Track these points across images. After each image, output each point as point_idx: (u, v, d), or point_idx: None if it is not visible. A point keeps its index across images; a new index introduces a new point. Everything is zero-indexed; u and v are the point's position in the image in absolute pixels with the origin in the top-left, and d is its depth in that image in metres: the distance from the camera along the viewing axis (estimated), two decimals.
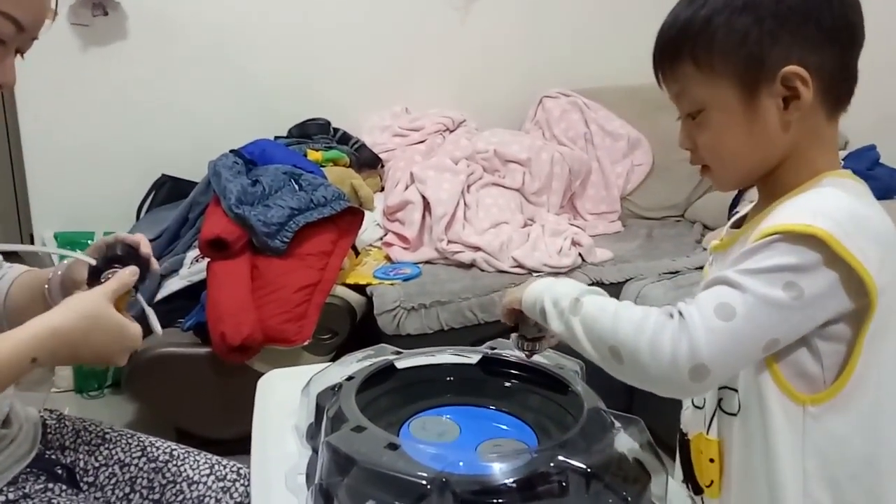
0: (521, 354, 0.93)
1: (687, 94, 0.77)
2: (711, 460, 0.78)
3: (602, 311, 0.74)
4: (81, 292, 0.90)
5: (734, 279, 0.68)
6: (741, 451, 0.75)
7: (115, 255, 0.95)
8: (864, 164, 2.43)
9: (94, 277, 0.93)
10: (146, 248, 0.96)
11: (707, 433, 0.78)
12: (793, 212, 0.69)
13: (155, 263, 0.96)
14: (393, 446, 0.77)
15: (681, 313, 0.68)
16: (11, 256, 1.12)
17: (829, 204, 0.69)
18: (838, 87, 0.75)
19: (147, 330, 0.93)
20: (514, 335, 0.90)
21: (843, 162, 2.67)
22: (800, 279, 0.66)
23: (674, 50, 0.77)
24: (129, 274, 0.91)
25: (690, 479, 0.81)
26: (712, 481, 0.78)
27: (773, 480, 0.71)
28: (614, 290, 2.21)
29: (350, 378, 0.94)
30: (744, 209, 0.85)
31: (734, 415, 0.75)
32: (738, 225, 0.82)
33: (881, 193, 2.34)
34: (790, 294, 0.66)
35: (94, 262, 0.94)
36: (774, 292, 0.66)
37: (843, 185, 0.73)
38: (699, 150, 0.79)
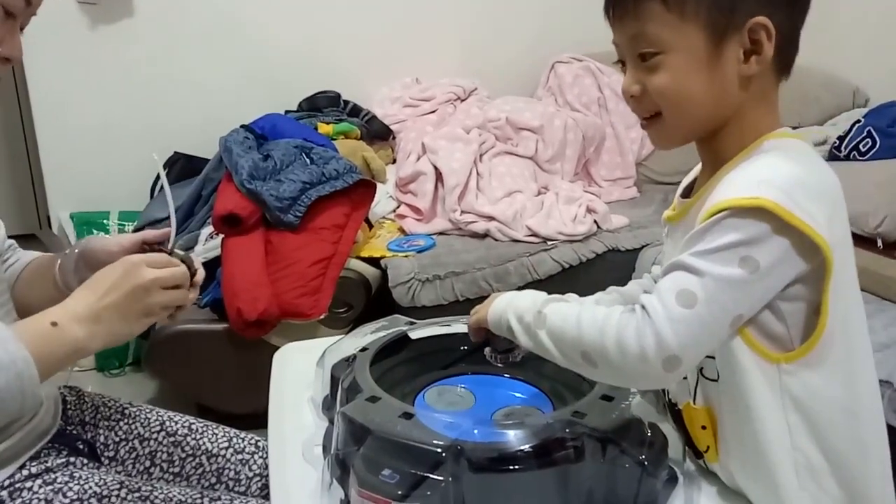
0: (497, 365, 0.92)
1: (646, 34, 0.74)
2: (703, 427, 0.78)
3: (565, 319, 0.73)
4: None
5: (690, 263, 0.67)
6: (728, 416, 0.76)
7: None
8: (885, 122, 2.38)
9: None
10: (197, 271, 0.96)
11: (693, 402, 0.79)
12: (737, 185, 0.69)
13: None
14: (407, 415, 0.77)
15: (643, 306, 0.68)
16: (30, 243, 1.13)
17: (772, 171, 0.69)
18: (788, 52, 0.75)
19: None
20: (486, 349, 0.90)
21: (863, 119, 2.62)
22: (754, 252, 0.67)
23: None
24: (159, 255, 0.90)
25: (689, 445, 0.82)
26: (708, 447, 0.79)
27: (762, 439, 0.72)
28: (630, 256, 2.20)
29: (364, 349, 0.94)
30: (689, 177, 0.85)
31: (715, 381, 0.76)
32: (687, 194, 0.82)
33: None
34: (747, 269, 0.66)
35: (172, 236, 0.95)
36: (731, 270, 0.66)
37: (784, 147, 0.73)
38: (650, 95, 0.76)
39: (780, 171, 0.69)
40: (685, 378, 0.80)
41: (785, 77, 0.77)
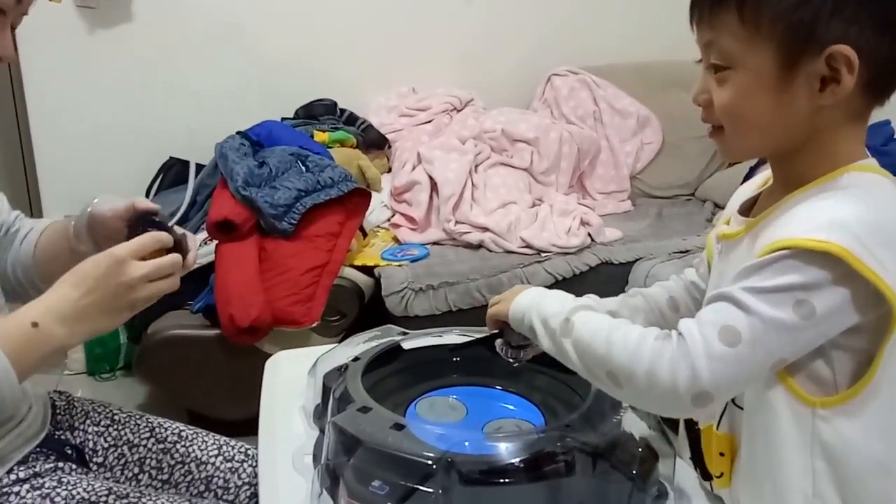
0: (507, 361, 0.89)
1: (718, 46, 0.69)
2: (721, 454, 0.76)
3: (594, 335, 0.70)
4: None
5: (739, 298, 0.63)
6: (750, 448, 0.72)
7: (155, 222, 0.92)
8: (878, 140, 2.39)
9: (132, 233, 0.91)
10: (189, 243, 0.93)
11: (717, 428, 0.76)
12: (806, 222, 0.64)
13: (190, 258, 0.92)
14: (399, 426, 0.77)
15: (681, 334, 0.64)
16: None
17: (847, 212, 0.63)
18: (885, 80, 0.68)
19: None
20: (498, 341, 0.88)
21: None
22: (811, 297, 0.62)
23: None
24: (150, 238, 0.87)
25: (699, 465, 0.80)
26: (722, 473, 0.76)
27: (778, 479, 0.69)
28: (624, 269, 2.20)
29: (356, 359, 0.94)
30: (746, 191, 0.81)
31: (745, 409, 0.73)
32: (747, 209, 0.77)
33: (894, 170, 2.30)
34: (800, 313, 0.62)
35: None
36: (783, 314, 0.62)
37: (864, 185, 0.67)
38: (714, 108, 0.71)
39: (855, 212, 0.63)
40: None
41: (879, 105, 0.70)
